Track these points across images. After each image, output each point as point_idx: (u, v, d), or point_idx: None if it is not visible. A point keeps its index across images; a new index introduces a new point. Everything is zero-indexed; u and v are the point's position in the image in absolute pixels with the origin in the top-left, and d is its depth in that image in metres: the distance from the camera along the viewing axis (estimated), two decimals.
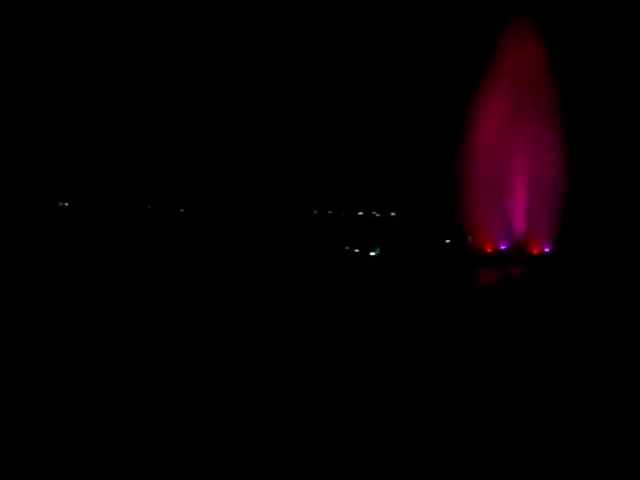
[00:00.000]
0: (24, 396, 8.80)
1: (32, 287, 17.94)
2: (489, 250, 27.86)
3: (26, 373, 9.88)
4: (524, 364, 10.59)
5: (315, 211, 32.14)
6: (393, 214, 32.50)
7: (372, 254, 28.18)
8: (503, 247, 28.10)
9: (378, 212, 32.30)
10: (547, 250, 27.83)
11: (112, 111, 30.22)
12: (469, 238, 27.80)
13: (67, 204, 31.95)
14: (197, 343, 12.05)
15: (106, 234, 28.22)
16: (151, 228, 29.05)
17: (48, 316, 14.15)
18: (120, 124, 30.21)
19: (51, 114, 30.23)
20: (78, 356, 10.92)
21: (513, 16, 27.53)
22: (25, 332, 12.51)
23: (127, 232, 28.56)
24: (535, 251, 27.83)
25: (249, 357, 11.01)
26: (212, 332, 12.98)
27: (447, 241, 29.19)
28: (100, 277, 20.54)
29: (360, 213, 31.15)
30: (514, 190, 28.63)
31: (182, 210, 30.63)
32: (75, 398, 8.76)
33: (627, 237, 25.77)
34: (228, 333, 12.91)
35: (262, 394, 9.06)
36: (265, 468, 6.85)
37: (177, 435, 7.57)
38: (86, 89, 30.21)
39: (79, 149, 30.55)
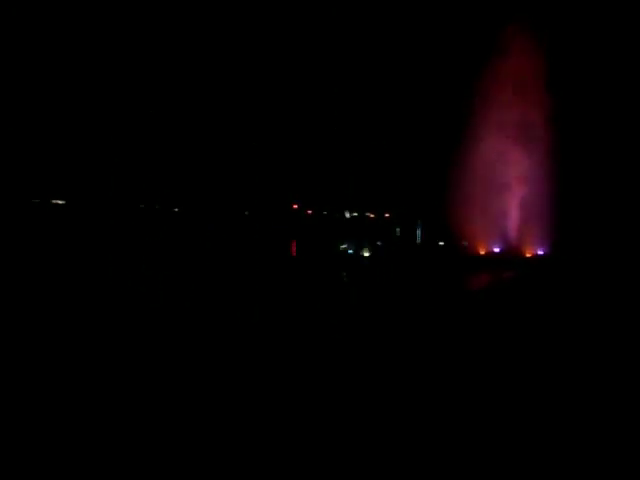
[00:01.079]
0: (24, 396, 8.77)
1: (31, 286, 17.76)
2: (482, 252, 27.97)
3: (26, 373, 9.83)
4: (518, 365, 10.64)
5: (310, 211, 32.14)
6: (387, 215, 32.53)
7: (365, 254, 28.20)
8: (496, 250, 28.21)
9: (372, 213, 32.33)
10: (540, 253, 27.96)
11: (111, 111, 30.14)
12: (463, 241, 27.87)
13: (63, 202, 31.80)
14: (197, 342, 11.98)
15: (106, 234, 28.04)
16: (151, 228, 28.89)
17: (47, 315, 14.03)
18: (120, 124, 30.12)
19: (50, 114, 30.12)
20: (78, 355, 10.86)
21: (509, 24, 27.73)
22: (25, 331, 12.40)
23: (127, 232, 28.38)
24: (528, 254, 27.96)
25: (249, 356, 11.00)
26: (212, 331, 12.93)
27: (440, 243, 29.25)
28: (100, 277, 20.35)
29: (355, 214, 31.20)
30: (507, 193, 28.72)
31: (181, 210, 30.52)
32: (75, 397, 8.75)
33: (620, 240, 25.91)
34: (228, 332, 12.87)
35: (262, 393, 9.12)
36: (265, 468, 6.88)
37: (177, 435, 7.57)
38: (86, 89, 30.12)
39: (80, 149, 30.44)
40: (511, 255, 27.32)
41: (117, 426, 7.77)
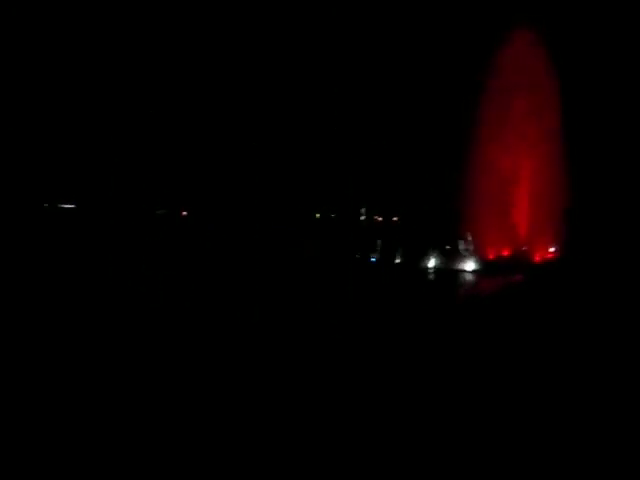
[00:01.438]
0: (24, 396, 8.75)
1: (34, 288, 18.02)
2: (491, 257, 27.72)
3: (26, 373, 9.85)
4: (526, 370, 10.51)
5: (317, 214, 32.13)
6: (395, 219, 32.48)
7: (373, 259, 28.08)
8: (506, 254, 27.96)
9: (381, 216, 32.30)
10: (551, 257, 27.72)
11: (113, 114, 30.24)
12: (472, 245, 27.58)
13: (72, 206, 32.01)
14: (197, 343, 12.04)
15: (107, 235, 28.25)
16: (151, 229, 29.09)
17: (50, 316, 14.19)
18: (121, 126, 30.23)
19: (54, 118, 30.26)
20: (79, 356, 10.90)
21: (515, 27, 27.65)
22: (26, 332, 12.54)
23: (128, 233, 28.59)
24: (538, 258, 27.72)
25: (249, 357, 10.97)
26: (212, 332, 13.00)
27: (447, 247, 28.99)
28: (101, 277, 20.63)
29: (362, 217, 31.14)
30: (517, 197, 28.58)
31: (183, 211, 30.61)
32: (75, 398, 8.71)
33: (630, 244, 25.63)
34: (228, 333, 12.92)
35: (262, 394, 9.01)
36: (265, 468, 6.78)
37: (177, 435, 7.50)
38: (88, 93, 30.23)
39: (81, 152, 30.58)
40: (521, 259, 27.05)
41: (117, 426, 7.75)
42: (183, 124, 30.41)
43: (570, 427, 8.02)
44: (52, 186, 31.24)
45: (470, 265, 26.51)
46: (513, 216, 28.22)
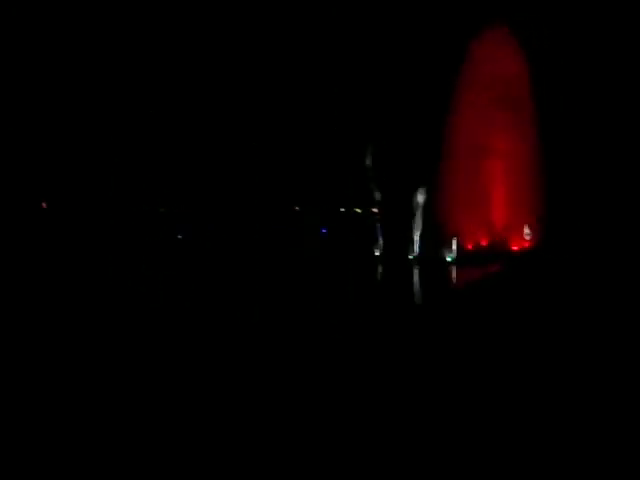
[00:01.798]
0: (24, 396, 8.80)
1: (32, 289, 17.94)
2: (469, 246, 27.84)
3: (26, 374, 9.88)
4: (508, 364, 10.59)
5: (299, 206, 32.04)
6: (375, 210, 32.47)
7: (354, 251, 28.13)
8: (484, 243, 28.10)
9: (359, 208, 32.28)
10: (528, 246, 27.87)
11: (110, 111, 29.97)
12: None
13: (62, 202, 31.71)
14: (197, 343, 12.05)
15: (106, 235, 28.08)
16: (150, 228, 28.92)
17: (47, 318, 14.15)
18: (119, 124, 29.99)
19: (49, 114, 29.98)
20: (78, 357, 10.91)
21: (488, 20, 27.74)
22: (24, 334, 12.50)
23: (126, 232, 28.40)
24: (515, 247, 27.87)
25: (249, 357, 11.00)
26: (212, 332, 13.00)
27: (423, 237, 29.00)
28: (100, 278, 20.56)
29: (342, 209, 31.14)
30: (493, 185, 28.68)
31: (181, 210, 30.47)
32: (75, 399, 8.75)
33: (612, 232, 25.79)
34: (228, 333, 12.92)
35: (262, 394, 9.07)
36: (265, 468, 6.84)
37: (177, 436, 7.56)
38: (83, 89, 29.96)
39: (80, 150, 30.33)
40: (500, 249, 27.19)
41: (117, 427, 7.81)
42: (181, 122, 30.23)
43: (562, 423, 8.11)
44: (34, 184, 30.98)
45: (448, 255, 26.65)
46: (490, 205, 28.35)
